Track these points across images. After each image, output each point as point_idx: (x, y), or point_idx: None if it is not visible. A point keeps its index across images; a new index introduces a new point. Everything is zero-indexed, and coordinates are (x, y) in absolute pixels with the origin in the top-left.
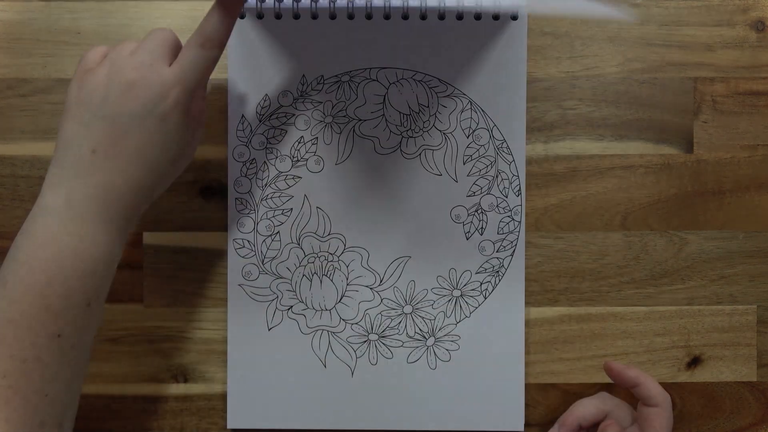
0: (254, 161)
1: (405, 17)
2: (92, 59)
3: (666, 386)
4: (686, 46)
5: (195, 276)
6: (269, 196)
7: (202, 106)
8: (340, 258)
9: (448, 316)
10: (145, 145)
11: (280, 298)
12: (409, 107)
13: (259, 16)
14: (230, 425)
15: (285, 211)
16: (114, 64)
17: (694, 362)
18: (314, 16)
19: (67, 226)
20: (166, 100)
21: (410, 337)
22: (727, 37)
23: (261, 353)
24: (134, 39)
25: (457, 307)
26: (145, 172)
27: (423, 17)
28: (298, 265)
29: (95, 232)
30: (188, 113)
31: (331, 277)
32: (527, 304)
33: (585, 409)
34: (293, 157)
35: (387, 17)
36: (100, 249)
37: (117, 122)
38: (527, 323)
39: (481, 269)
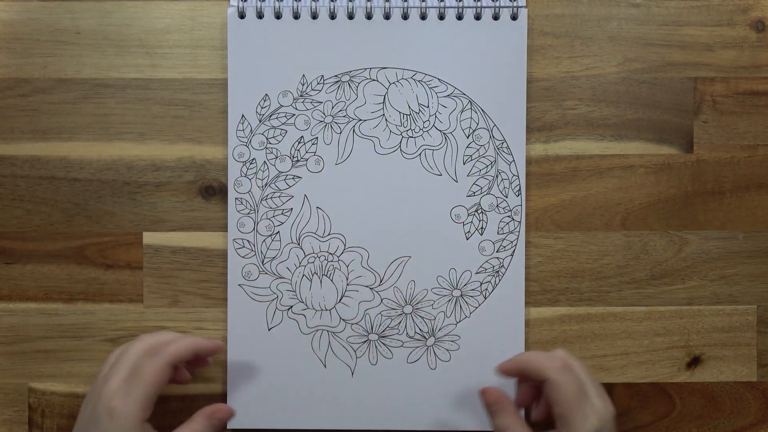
0: (254, 161)
1: (405, 17)
2: None
3: (666, 386)
4: (686, 46)
5: (195, 276)
6: (269, 196)
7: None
8: (340, 258)
9: (448, 316)
10: None
11: (280, 298)
12: (409, 107)
13: (260, 16)
14: (230, 425)
15: (285, 211)
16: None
17: (694, 362)
18: (314, 16)
19: None
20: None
21: (410, 337)
22: (727, 37)
23: (261, 353)
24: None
25: (457, 307)
26: None
27: (423, 17)
28: (298, 265)
29: None
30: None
31: (331, 277)
32: (527, 304)
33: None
34: (293, 157)
35: (387, 17)
36: None
37: None
38: (527, 323)
39: (481, 269)
